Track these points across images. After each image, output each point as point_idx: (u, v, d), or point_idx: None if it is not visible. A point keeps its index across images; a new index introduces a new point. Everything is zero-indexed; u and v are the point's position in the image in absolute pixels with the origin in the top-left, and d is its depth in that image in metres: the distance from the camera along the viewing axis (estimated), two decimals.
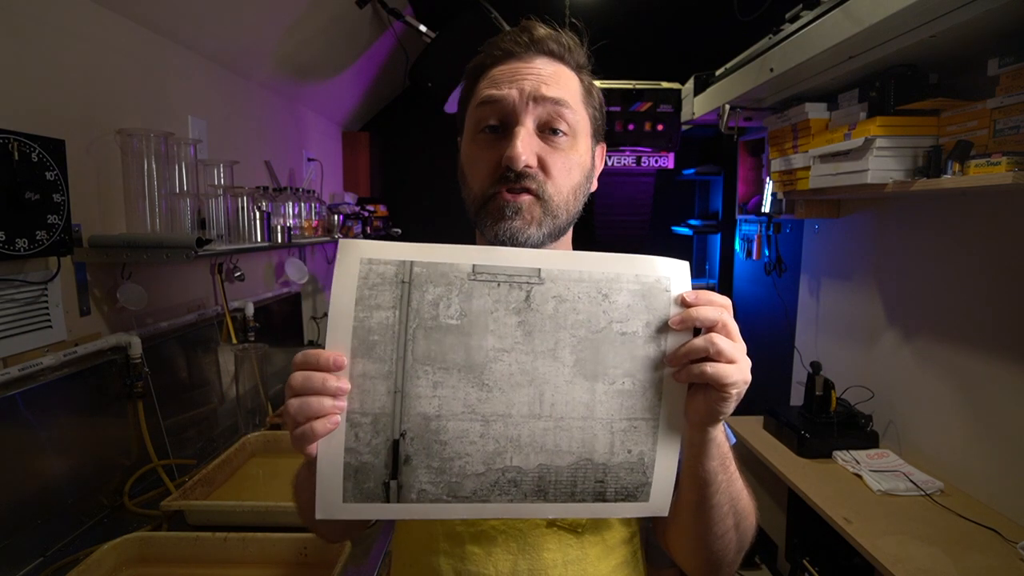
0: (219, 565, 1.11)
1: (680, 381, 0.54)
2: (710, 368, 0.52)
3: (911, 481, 1.60)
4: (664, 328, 0.55)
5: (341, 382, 0.52)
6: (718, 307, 0.54)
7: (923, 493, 1.56)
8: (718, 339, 0.52)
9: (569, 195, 0.67)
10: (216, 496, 1.35)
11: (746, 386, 0.53)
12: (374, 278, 0.53)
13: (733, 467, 0.61)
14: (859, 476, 1.66)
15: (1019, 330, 1.44)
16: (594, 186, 0.73)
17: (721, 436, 0.58)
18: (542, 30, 0.68)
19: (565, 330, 0.54)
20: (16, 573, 1.06)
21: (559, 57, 0.68)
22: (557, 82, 0.66)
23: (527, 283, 0.54)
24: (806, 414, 1.93)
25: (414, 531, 0.72)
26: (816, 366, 1.93)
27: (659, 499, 0.56)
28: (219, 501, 1.31)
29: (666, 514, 0.57)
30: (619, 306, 0.55)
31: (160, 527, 1.23)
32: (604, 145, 0.75)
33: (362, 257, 0.53)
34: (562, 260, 0.55)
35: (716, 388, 0.52)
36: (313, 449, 0.52)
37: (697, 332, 0.55)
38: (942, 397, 1.67)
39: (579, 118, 0.68)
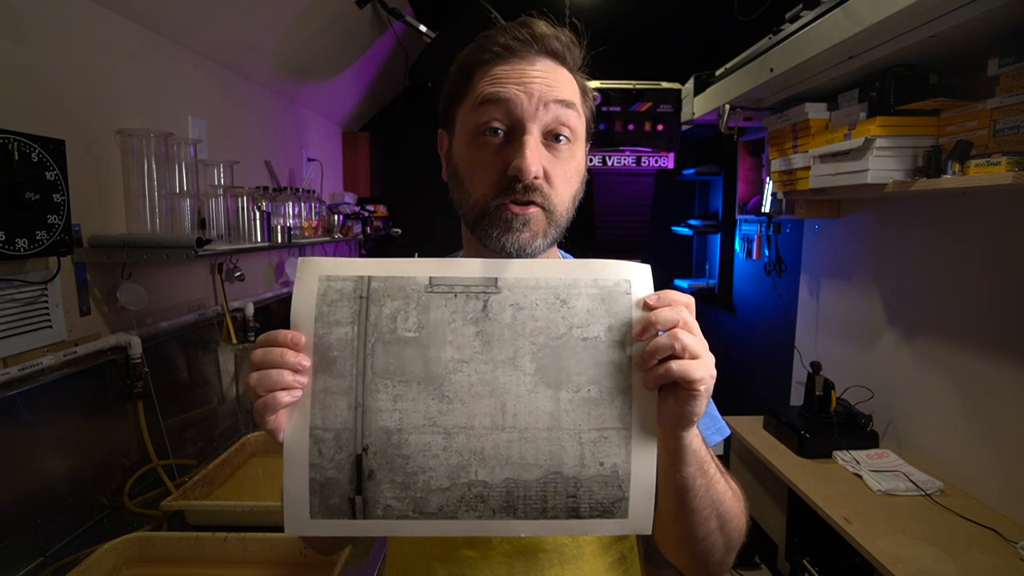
0: (219, 565, 1.11)
1: (649, 387, 0.53)
2: (675, 365, 0.51)
3: (911, 481, 1.60)
4: (628, 332, 0.54)
5: (300, 357, 0.52)
6: (678, 306, 0.53)
7: (923, 493, 1.56)
8: (682, 335, 0.51)
9: (569, 203, 0.67)
10: (216, 496, 1.35)
11: (712, 381, 0.52)
12: (332, 294, 0.54)
13: (713, 470, 0.60)
14: (859, 476, 1.66)
15: (1019, 330, 1.44)
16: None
17: (697, 441, 0.57)
18: (543, 27, 0.66)
19: (524, 338, 0.54)
20: (16, 573, 1.06)
21: (560, 58, 0.66)
22: (562, 87, 0.65)
23: (484, 293, 0.54)
24: (806, 414, 1.93)
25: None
26: (816, 366, 1.93)
27: (639, 515, 0.54)
28: (219, 501, 1.31)
29: (648, 532, 0.55)
30: (579, 311, 0.54)
31: (160, 527, 1.23)
32: (588, 144, 0.73)
33: (320, 274, 0.54)
34: (519, 268, 0.55)
35: (684, 386, 0.51)
36: (273, 423, 0.52)
37: None
38: (942, 397, 1.67)
39: (580, 122, 0.67)
